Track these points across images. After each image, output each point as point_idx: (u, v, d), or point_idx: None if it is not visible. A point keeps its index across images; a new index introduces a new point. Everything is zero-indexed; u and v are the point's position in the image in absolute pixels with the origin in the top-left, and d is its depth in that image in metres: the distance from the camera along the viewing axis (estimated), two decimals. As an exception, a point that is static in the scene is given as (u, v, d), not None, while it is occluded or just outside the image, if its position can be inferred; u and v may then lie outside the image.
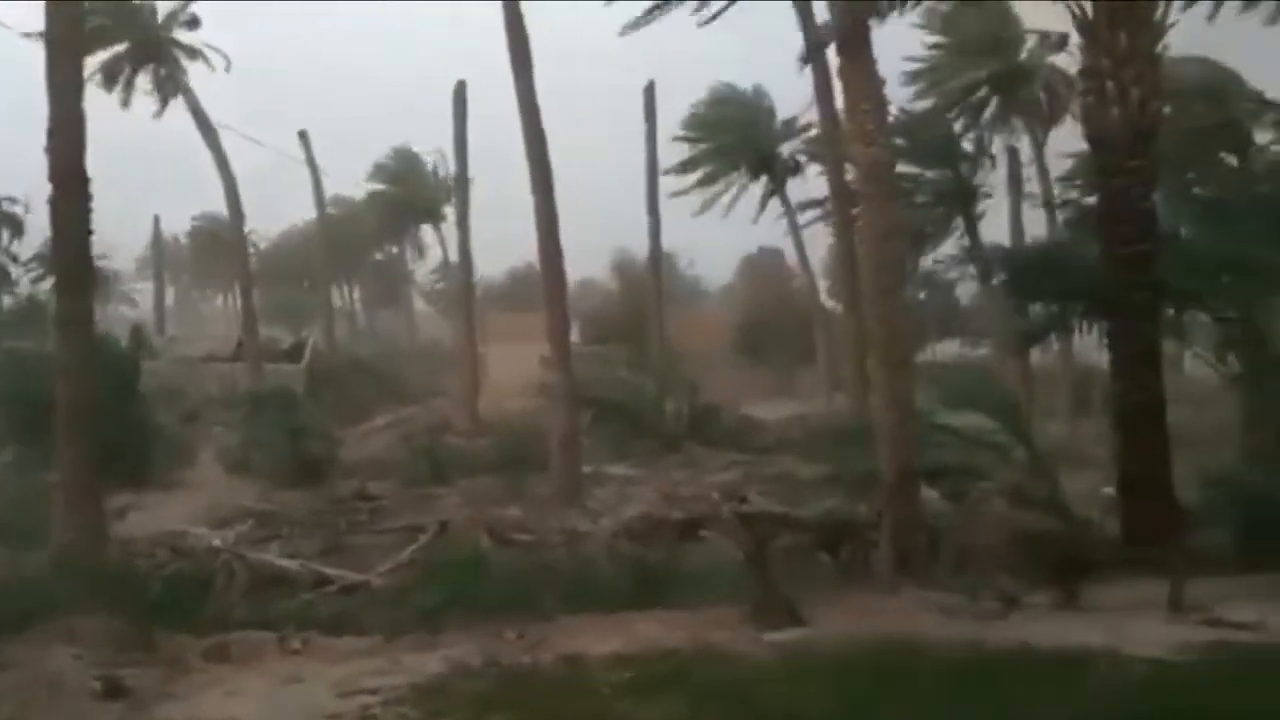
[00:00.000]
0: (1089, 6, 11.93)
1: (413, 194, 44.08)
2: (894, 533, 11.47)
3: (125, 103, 32.55)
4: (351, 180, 47.91)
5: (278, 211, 53.51)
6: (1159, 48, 11.99)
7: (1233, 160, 24.41)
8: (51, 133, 12.09)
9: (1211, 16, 15.68)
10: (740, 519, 12.37)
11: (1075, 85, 12.85)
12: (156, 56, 32.65)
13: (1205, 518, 12.58)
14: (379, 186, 46.15)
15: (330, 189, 42.69)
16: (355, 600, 12.19)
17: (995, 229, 31.08)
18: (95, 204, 12.34)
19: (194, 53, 32.92)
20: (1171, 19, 12.02)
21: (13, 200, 36.34)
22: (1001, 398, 13.50)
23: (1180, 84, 17.52)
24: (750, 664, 7.61)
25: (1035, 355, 30.92)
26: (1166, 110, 12.33)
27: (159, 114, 33.07)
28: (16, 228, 37.44)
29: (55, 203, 12.25)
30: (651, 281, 35.61)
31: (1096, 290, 12.56)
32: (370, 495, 19.39)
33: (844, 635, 8.34)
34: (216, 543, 13.71)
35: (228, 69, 32.75)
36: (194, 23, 32.62)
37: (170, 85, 32.91)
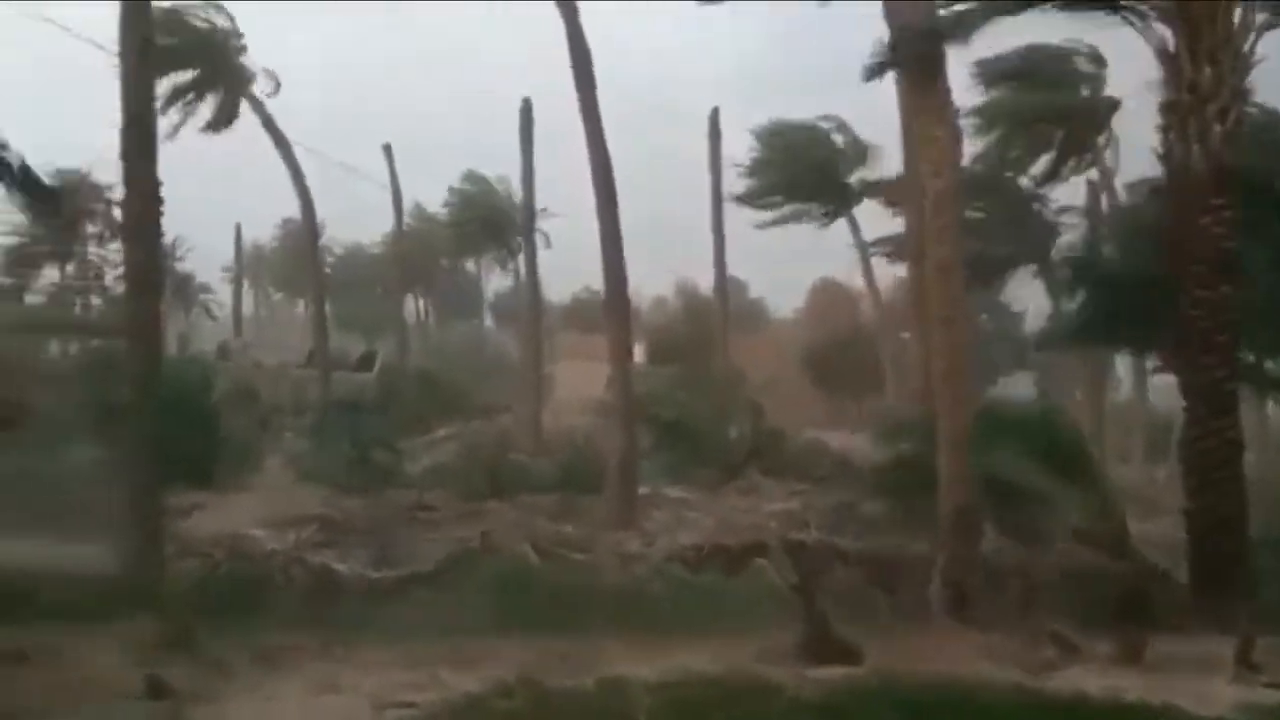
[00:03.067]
0: (1169, 37, 11.57)
1: (485, 214, 44.69)
2: (950, 572, 11.18)
3: (176, 129, 32.56)
4: (425, 193, 48.43)
5: (356, 220, 54.41)
6: (1245, 82, 11.58)
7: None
8: (124, 136, 12.39)
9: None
10: (790, 549, 12.17)
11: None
12: (227, 82, 32.98)
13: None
14: (453, 202, 46.86)
15: (405, 201, 43.27)
16: (403, 609, 12.23)
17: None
18: (184, 211, 12.62)
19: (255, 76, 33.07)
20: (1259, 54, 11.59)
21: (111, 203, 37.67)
22: (1067, 439, 13.11)
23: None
24: (789, 698, 7.44)
25: (1110, 394, 30.19)
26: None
27: (218, 128, 33.09)
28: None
29: (126, 205, 12.56)
30: (717, 304, 35.45)
31: (1171, 333, 12.15)
32: (429, 506, 19.50)
33: (890, 675, 8.11)
34: (274, 546, 13.88)
35: (276, 91, 32.88)
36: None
37: (231, 107, 32.99)
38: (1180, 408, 12.58)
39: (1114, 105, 27.60)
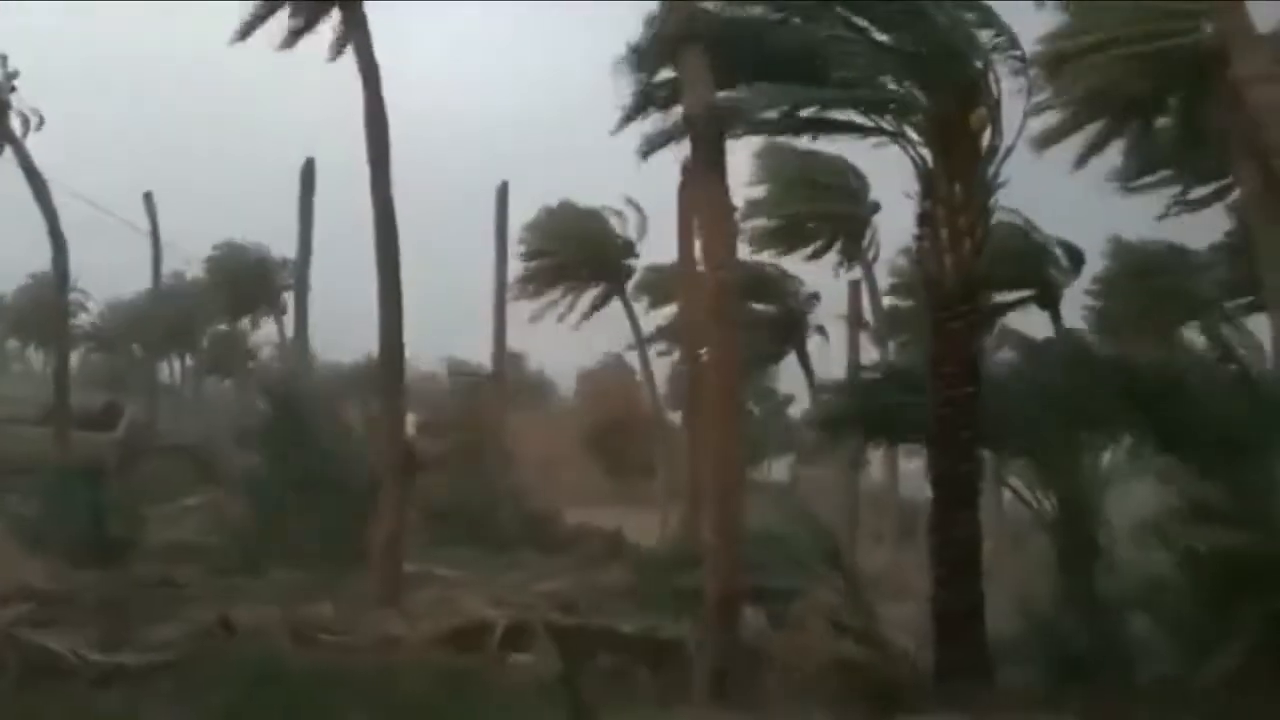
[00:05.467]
0: (928, 155, 12.54)
1: (247, 275, 43.41)
2: (714, 656, 11.30)
3: None
4: (195, 248, 46.08)
5: (117, 275, 50.96)
6: (990, 201, 12.66)
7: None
8: None
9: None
10: (555, 632, 11.99)
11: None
12: None
13: (1017, 654, 12.93)
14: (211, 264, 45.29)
15: (176, 253, 41.12)
16: (136, 695, 11.21)
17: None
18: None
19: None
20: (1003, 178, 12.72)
21: None
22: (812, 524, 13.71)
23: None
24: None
25: (866, 478, 31.86)
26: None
27: None
28: None
29: None
30: (494, 380, 35.28)
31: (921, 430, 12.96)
32: (174, 581, 18.19)
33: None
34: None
35: (40, 125, 30.78)
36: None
37: None
38: (927, 495, 13.38)
39: (876, 209, 29.94)
